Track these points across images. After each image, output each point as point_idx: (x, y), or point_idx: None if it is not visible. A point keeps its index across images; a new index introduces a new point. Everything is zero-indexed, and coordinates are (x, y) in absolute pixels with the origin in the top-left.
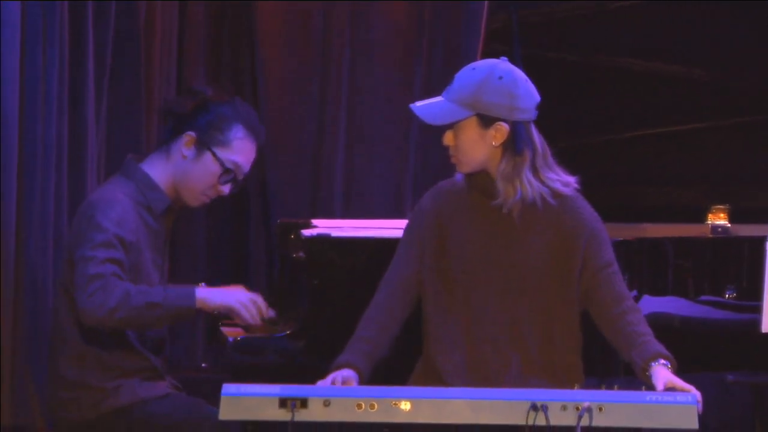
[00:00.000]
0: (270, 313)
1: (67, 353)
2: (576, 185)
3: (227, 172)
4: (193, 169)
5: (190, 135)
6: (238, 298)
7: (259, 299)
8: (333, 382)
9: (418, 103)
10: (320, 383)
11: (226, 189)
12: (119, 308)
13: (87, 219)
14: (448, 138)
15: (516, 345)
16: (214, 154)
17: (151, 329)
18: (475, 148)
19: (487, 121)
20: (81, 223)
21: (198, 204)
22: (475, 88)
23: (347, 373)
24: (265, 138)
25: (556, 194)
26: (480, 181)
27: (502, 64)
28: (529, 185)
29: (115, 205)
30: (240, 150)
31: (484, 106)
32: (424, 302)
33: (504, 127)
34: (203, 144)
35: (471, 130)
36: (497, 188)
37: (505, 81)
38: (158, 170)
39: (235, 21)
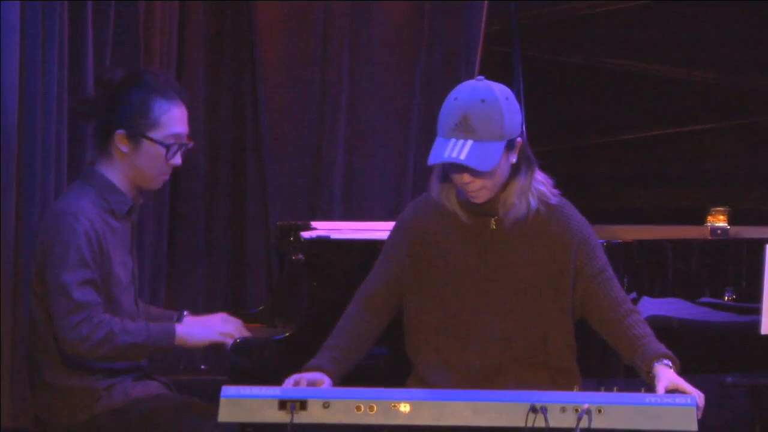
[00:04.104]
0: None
1: (50, 360)
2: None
3: (170, 147)
4: (139, 161)
5: (119, 133)
6: (218, 331)
7: (238, 326)
8: (297, 383)
9: (454, 155)
10: (287, 381)
11: (178, 160)
12: (102, 346)
13: (55, 233)
14: (465, 177)
15: (508, 357)
16: (150, 139)
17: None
18: (503, 173)
19: (511, 143)
20: (49, 234)
21: (160, 185)
22: (499, 119)
23: (317, 374)
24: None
25: (545, 203)
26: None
27: (494, 85)
28: (533, 196)
29: (81, 217)
30: (171, 121)
31: (509, 131)
32: (409, 319)
33: (520, 142)
34: (135, 135)
35: (502, 158)
36: (507, 204)
37: (511, 99)
38: (111, 172)
39: (235, 20)
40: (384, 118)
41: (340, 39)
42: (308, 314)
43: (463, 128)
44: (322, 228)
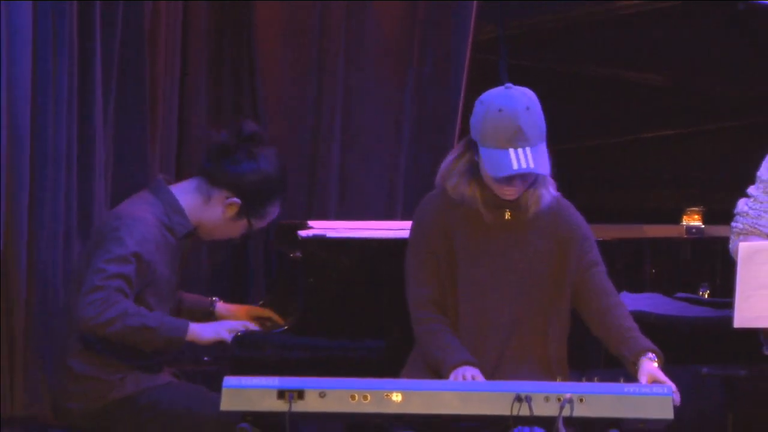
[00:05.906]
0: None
1: (76, 346)
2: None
3: (250, 231)
4: (225, 226)
5: (235, 202)
6: (228, 327)
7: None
8: (474, 377)
9: (524, 166)
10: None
11: (237, 236)
12: (114, 323)
13: (111, 229)
14: (517, 184)
15: (511, 348)
16: (249, 222)
17: (138, 348)
18: None
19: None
20: (105, 231)
21: (209, 240)
22: (541, 122)
23: (474, 369)
24: (265, 141)
25: (556, 197)
26: (493, 196)
27: (524, 90)
28: (552, 186)
29: (141, 224)
30: (269, 219)
31: (546, 131)
32: None
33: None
34: (245, 214)
35: None
36: (535, 196)
37: (537, 99)
38: (190, 201)
39: (235, 20)
40: (378, 120)
41: (335, 40)
42: (305, 309)
43: (520, 139)
44: (319, 227)
